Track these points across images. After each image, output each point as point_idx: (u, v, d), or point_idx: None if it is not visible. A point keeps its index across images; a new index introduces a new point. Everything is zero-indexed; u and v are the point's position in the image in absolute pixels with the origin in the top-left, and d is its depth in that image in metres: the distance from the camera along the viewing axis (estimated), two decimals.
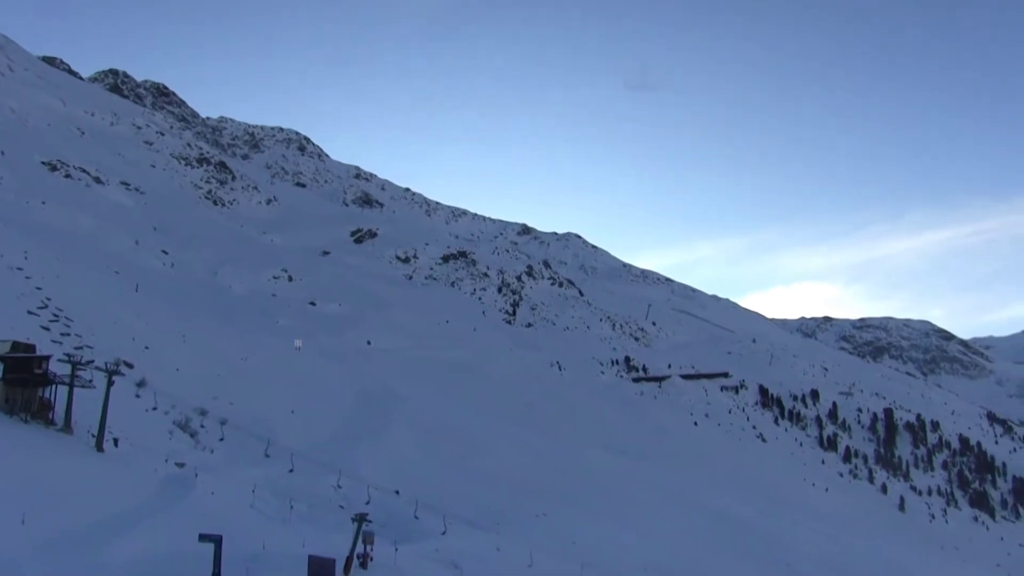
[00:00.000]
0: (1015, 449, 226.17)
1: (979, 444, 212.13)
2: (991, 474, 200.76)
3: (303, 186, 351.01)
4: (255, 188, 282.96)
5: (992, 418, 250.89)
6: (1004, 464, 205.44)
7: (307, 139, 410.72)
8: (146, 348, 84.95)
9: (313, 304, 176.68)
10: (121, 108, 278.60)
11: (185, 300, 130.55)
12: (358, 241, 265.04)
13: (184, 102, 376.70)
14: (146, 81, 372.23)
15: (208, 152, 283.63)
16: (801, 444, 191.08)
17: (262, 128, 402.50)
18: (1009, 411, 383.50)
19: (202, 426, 69.75)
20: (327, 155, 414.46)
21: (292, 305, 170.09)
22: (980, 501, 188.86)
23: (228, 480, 55.37)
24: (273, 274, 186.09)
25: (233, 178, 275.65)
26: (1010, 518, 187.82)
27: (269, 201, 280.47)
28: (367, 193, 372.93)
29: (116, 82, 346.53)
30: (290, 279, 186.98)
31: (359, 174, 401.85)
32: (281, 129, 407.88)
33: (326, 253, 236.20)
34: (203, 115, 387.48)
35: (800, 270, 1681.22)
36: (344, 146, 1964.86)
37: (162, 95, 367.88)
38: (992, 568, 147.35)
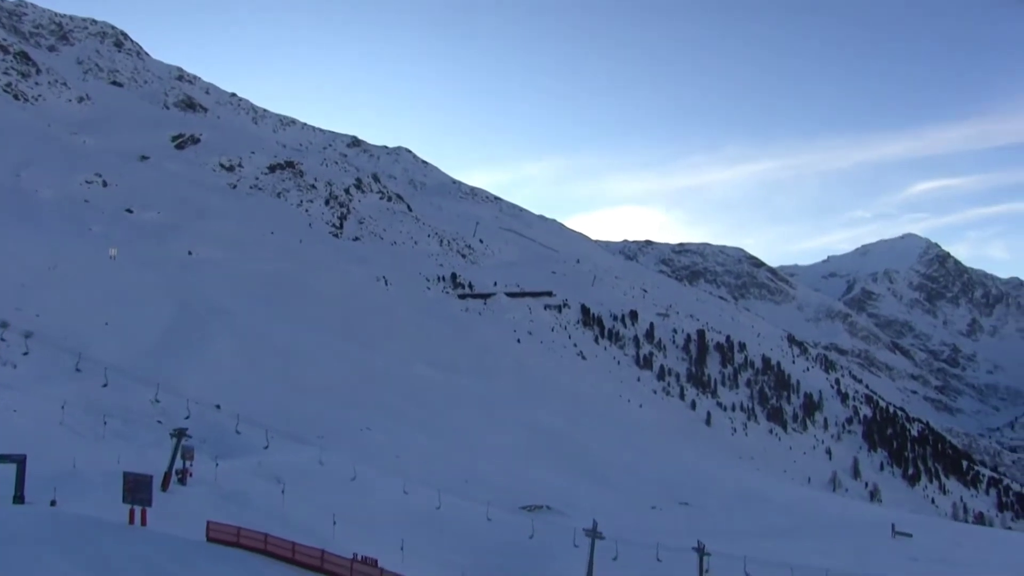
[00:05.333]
0: (808, 368, 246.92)
1: (779, 364, 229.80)
2: (787, 391, 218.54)
3: (120, 85, 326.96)
4: (64, 84, 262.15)
5: (791, 340, 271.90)
6: (798, 382, 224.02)
7: (124, 34, 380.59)
8: None
9: (130, 211, 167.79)
10: None
11: None
12: (180, 147, 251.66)
13: None
14: None
15: (5, 39, 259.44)
16: (619, 362, 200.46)
17: (71, 18, 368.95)
18: (806, 334, 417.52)
19: (2, 339, 65.99)
20: (147, 53, 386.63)
21: (106, 212, 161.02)
22: (776, 415, 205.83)
23: (34, 397, 52.99)
24: (86, 178, 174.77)
25: (38, 71, 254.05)
26: (799, 430, 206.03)
27: (81, 99, 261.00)
28: (190, 96, 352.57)
29: None
30: (104, 184, 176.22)
31: (182, 76, 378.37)
32: (94, 21, 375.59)
33: (145, 158, 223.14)
34: None
35: (624, 194, 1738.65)
36: (166, 45, 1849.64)
37: None
38: (780, 474, 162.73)
